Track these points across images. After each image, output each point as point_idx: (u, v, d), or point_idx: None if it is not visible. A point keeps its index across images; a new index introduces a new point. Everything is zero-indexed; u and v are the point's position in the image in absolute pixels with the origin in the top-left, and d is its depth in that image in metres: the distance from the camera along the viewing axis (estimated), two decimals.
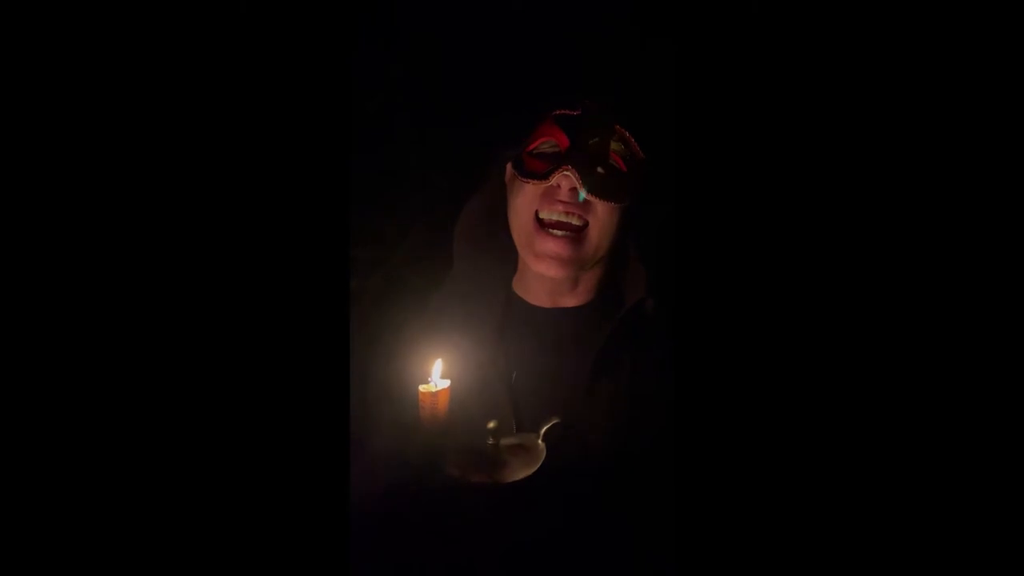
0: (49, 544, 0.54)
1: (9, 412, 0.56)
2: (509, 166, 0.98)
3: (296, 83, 0.63)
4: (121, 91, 0.60)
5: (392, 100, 1.06)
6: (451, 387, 0.82)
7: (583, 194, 0.91)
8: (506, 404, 0.93)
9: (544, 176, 0.92)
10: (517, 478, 0.81)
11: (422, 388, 0.79)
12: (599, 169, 0.92)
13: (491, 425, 0.83)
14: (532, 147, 0.95)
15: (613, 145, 0.94)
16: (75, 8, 0.59)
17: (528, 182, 0.93)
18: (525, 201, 0.95)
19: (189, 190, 0.60)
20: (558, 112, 0.95)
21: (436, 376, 0.81)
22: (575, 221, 0.93)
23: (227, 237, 0.61)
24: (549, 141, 0.94)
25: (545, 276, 0.95)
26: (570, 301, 0.99)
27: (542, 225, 0.94)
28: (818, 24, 0.66)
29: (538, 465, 0.83)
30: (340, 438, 0.67)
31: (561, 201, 0.93)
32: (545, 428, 0.86)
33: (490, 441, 0.83)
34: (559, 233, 0.93)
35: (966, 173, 0.63)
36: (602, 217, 0.93)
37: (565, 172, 0.91)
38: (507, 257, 1.00)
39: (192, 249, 0.60)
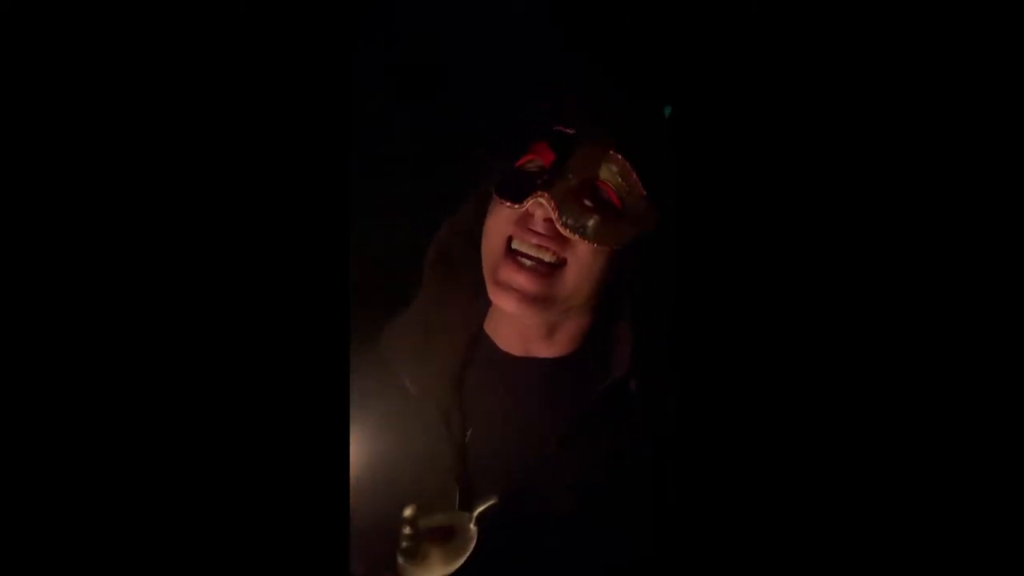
0: (41, 545, 0.53)
1: (8, 412, 0.55)
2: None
3: (295, 83, 0.63)
4: (119, 89, 0.59)
5: (392, 100, 1.05)
6: (388, 443, 0.70)
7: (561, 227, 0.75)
8: (454, 468, 0.78)
9: (518, 199, 0.77)
10: None
11: None
12: (585, 201, 0.76)
13: (407, 513, 0.68)
14: (520, 163, 0.80)
15: (604, 174, 0.78)
16: (72, 5, 0.60)
17: (503, 203, 0.78)
18: (498, 223, 0.79)
19: (186, 191, 0.60)
20: (555, 128, 0.80)
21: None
22: (547, 257, 0.77)
23: (225, 238, 0.61)
24: (536, 160, 0.79)
25: (506, 314, 0.79)
26: (545, 350, 0.83)
27: (511, 252, 0.79)
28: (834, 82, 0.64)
29: (464, 557, 0.70)
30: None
31: (534, 231, 0.77)
32: (480, 509, 0.72)
33: (407, 531, 0.68)
34: (528, 263, 0.77)
35: (960, 200, 0.62)
36: (583, 258, 0.77)
37: (540, 199, 0.76)
38: (482, 290, 0.82)
39: (187, 249, 0.60)
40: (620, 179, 0.78)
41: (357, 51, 0.74)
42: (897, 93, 0.63)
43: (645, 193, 0.79)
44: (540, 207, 0.76)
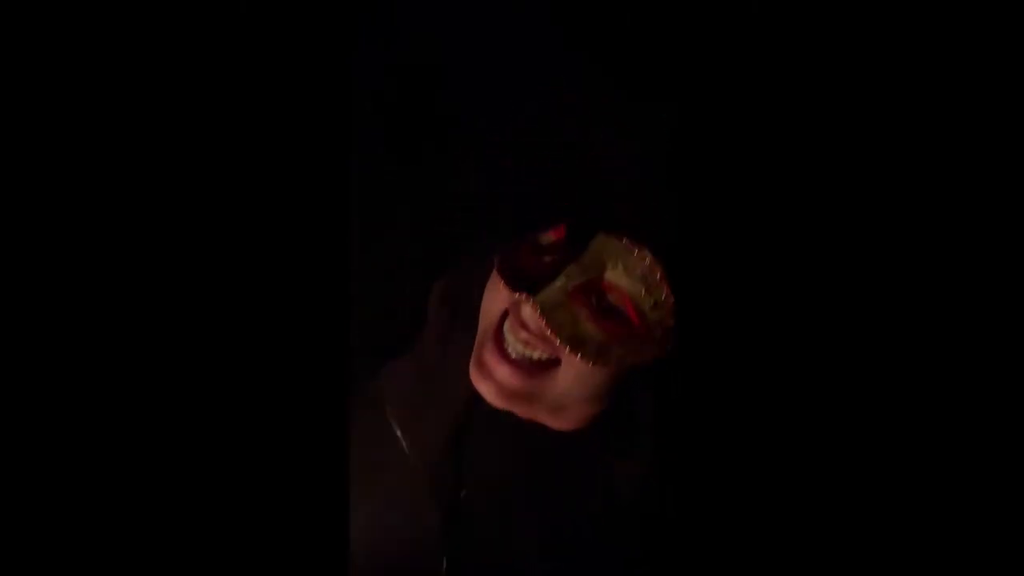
0: (35, 546, 0.55)
1: (8, 412, 0.55)
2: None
3: (295, 83, 0.63)
4: (117, 89, 0.58)
5: (392, 100, 1.02)
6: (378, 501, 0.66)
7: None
8: (442, 532, 0.71)
9: (511, 283, 0.64)
10: None
11: None
12: (586, 312, 0.63)
13: None
14: (537, 235, 0.65)
15: (621, 279, 0.63)
16: (71, 6, 0.59)
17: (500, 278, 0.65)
18: (496, 296, 0.68)
19: (182, 193, 0.60)
20: (573, 214, 0.64)
21: None
22: (536, 355, 0.67)
23: (222, 239, 0.61)
24: (550, 239, 0.65)
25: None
26: (552, 423, 0.72)
27: (501, 336, 0.68)
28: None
29: None
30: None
31: (524, 325, 0.66)
32: None
33: None
34: (514, 356, 0.66)
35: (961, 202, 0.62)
36: (580, 363, 0.65)
37: (524, 299, 0.63)
38: None
39: (185, 251, 0.59)
40: (644, 291, 0.63)
41: (357, 51, 0.73)
42: (898, 96, 0.63)
43: (672, 305, 0.64)
44: (528, 308, 0.64)
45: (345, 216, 0.62)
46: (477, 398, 0.73)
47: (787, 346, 0.63)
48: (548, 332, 0.63)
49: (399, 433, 0.75)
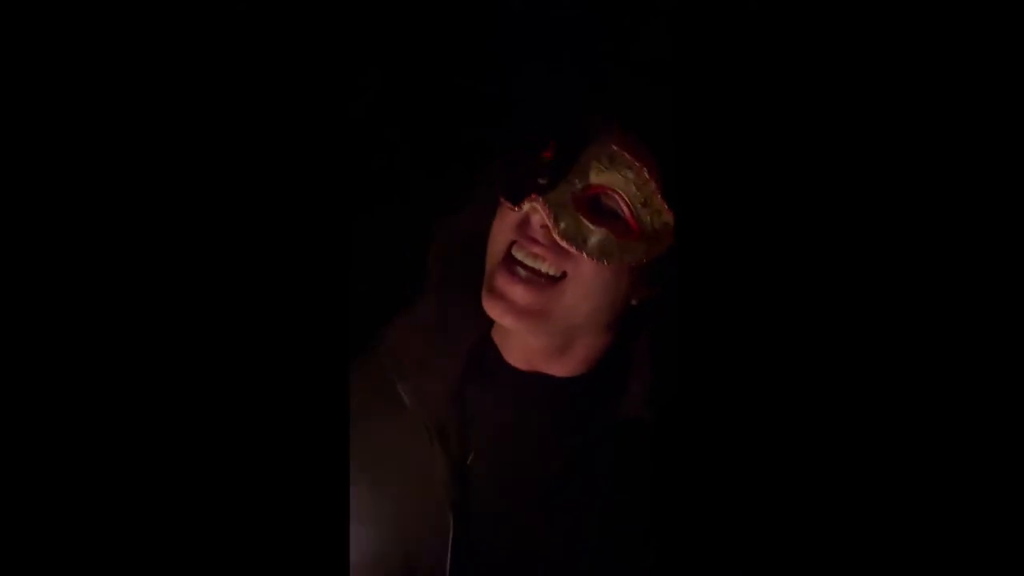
0: (36, 546, 0.53)
1: (8, 412, 0.54)
2: None
3: (294, 83, 0.63)
4: (116, 90, 0.58)
5: (387, 100, 1.01)
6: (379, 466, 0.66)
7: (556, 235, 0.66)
8: (451, 494, 0.71)
9: (516, 200, 0.69)
10: None
11: None
12: (588, 211, 0.68)
13: None
14: (533, 158, 0.70)
15: (616, 181, 0.68)
16: (71, 6, 0.59)
17: (505, 203, 0.70)
18: (502, 226, 0.72)
19: (180, 194, 0.59)
20: (568, 121, 0.70)
21: None
22: (545, 268, 0.70)
23: (220, 241, 0.60)
24: (547, 157, 0.69)
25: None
26: (555, 368, 0.74)
27: (510, 259, 0.71)
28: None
29: None
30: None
31: (533, 238, 0.69)
32: None
33: None
34: (524, 273, 0.69)
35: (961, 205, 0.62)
36: (586, 273, 0.69)
37: (534, 203, 0.68)
38: None
39: (185, 242, 0.58)
40: (635, 189, 0.68)
41: (354, 53, 0.73)
42: (899, 96, 0.63)
43: (667, 207, 0.68)
44: (536, 212, 0.68)
45: (342, 179, 0.62)
46: (482, 351, 0.76)
47: (786, 263, 0.62)
48: (557, 235, 0.67)
49: (402, 391, 0.74)
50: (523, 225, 0.70)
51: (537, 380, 0.74)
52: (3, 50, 0.55)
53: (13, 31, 0.55)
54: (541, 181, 0.68)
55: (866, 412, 0.60)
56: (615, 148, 0.68)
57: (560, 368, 0.74)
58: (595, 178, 0.68)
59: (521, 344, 0.74)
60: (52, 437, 0.54)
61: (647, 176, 0.68)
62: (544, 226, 0.68)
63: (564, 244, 0.67)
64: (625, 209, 0.69)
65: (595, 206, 0.69)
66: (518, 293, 0.69)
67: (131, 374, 0.55)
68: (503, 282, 0.70)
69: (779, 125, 0.63)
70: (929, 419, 0.60)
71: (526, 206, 0.68)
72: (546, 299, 0.69)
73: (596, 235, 0.67)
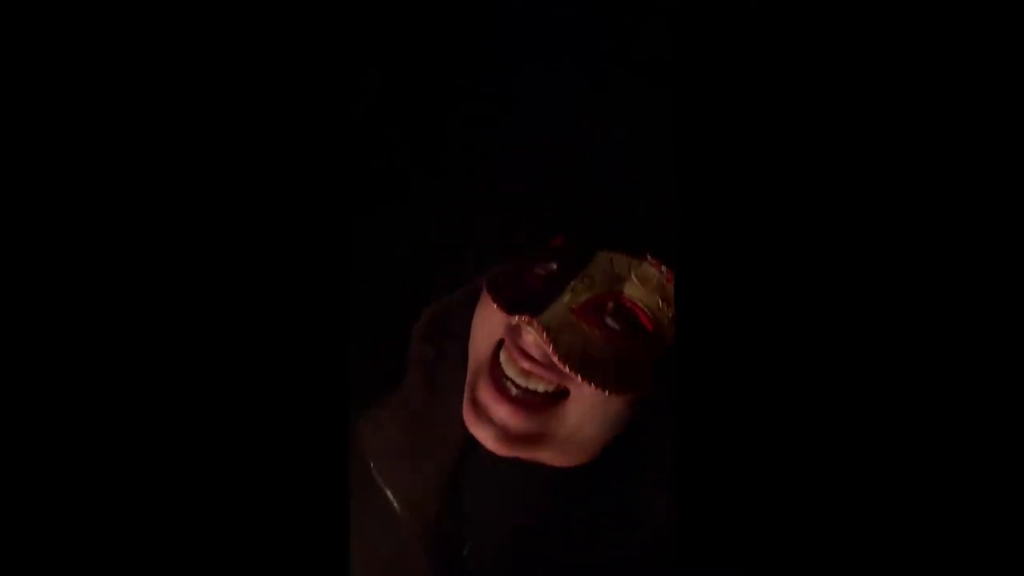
0: (33, 546, 0.54)
1: (8, 412, 0.54)
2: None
3: (294, 83, 0.62)
4: (115, 90, 0.58)
5: (387, 101, 1.00)
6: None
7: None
8: None
9: (508, 307, 0.57)
10: None
11: None
12: (596, 329, 0.56)
13: None
14: (534, 249, 0.60)
15: (632, 290, 0.57)
16: (71, 6, 0.59)
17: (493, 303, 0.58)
18: (487, 321, 0.61)
19: (179, 194, 0.59)
20: (572, 227, 0.60)
21: None
22: (541, 388, 0.58)
23: (220, 241, 0.60)
24: (548, 252, 0.59)
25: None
26: (555, 459, 0.62)
27: (498, 368, 0.59)
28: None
29: None
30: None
31: (525, 352, 0.58)
32: None
33: None
34: (514, 391, 0.58)
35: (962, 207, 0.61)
36: (591, 393, 0.57)
37: (526, 321, 0.56)
38: None
39: (182, 254, 0.59)
40: (658, 299, 0.57)
41: (354, 53, 0.72)
42: (902, 95, 0.63)
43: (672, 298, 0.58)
44: (528, 331, 0.57)
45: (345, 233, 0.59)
46: (473, 442, 0.64)
47: (803, 347, 0.56)
48: (555, 359, 0.55)
49: (389, 494, 0.66)
50: (515, 333, 0.59)
51: (534, 469, 0.64)
52: (2, 50, 0.55)
53: (13, 31, 0.55)
54: (537, 289, 0.58)
55: (866, 426, 0.60)
56: (634, 256, 0.58)
57: (564, 461, 0.63)
58: (612, 288, 0.58)
59: None
60: (51, 437, 0.54)
61: (665, 281, 0.58)
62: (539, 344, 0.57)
63: (566, 370, 0.56)
64: (644, 319, 0.58)
65: (606, 319, 0.58)
66: (506, 415, 0.58)
67: (128, 376, 0.55)
68: (488, 398, 0.59)
69: (779, 125, 0.63)
70: (930, 420, 0.60)
71: (518, 319, 0.57)
72: (542, 422, 0.59)
73: (608, 361, 0.56)
